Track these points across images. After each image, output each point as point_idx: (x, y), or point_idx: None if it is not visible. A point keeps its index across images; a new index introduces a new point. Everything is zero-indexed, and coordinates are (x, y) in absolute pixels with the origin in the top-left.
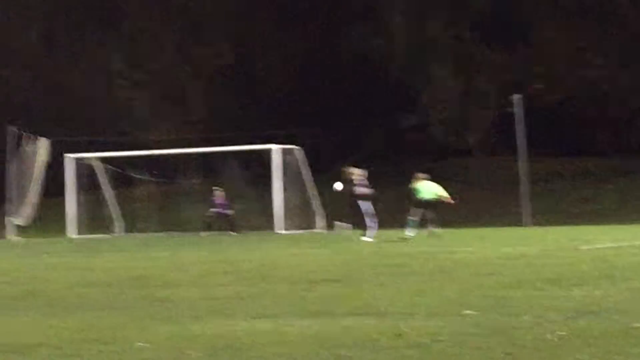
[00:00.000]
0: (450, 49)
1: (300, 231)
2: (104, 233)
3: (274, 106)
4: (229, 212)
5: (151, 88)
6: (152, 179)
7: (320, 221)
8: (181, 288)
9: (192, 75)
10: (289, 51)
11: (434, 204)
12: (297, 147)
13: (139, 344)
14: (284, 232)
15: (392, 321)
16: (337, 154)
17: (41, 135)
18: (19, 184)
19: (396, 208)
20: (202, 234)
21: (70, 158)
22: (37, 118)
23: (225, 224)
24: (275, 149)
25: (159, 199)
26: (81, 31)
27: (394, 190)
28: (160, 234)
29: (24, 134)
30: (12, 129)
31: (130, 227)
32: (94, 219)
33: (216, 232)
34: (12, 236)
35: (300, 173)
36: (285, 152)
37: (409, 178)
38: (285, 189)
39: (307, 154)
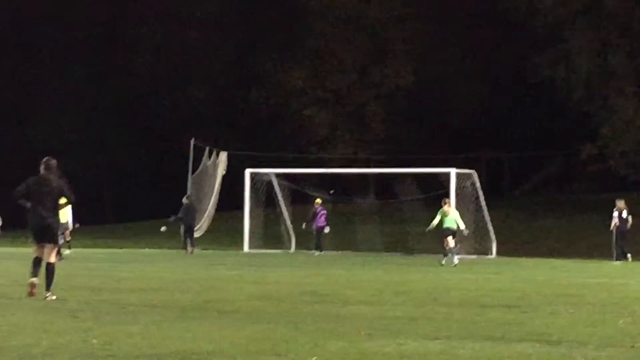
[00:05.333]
0: (633, 80)
1: (473, 256)
2: (277, 248)
3: (452, 129)
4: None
5: (331, 107)
6: (328, 198)
7: (494, 247)
8: (354, 306)
9: (372, 95)
10: (471, 75)
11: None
12: (474, 172)
13: (313, 358)
14: (457, 256)
15: (565, 350)
16: (514, 179)
17: (222, 150)
18: (198, 196)
19: (572, 237)
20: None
21: (249, 173)
22: (219, 133)
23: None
24: (453, 172)
25: (334, 217)
26: (265, 49)
27: (568, 219)
28: (334, 252)
29: (207, 147)
30: (195, 143)
31: (304, 245)
32: (268, 234)
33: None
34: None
35: (477, 198)
36: (462, 176)
37: (586, 208)
38: (460, 213)
39: (484, 178)
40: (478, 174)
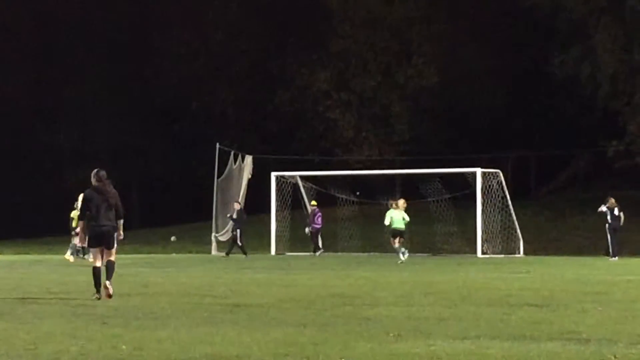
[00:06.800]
0: None
1: (501, 255)
2: (304, 251)
3: (478, 128)
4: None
5: (356, 108)
6: (355, 199)
7: (521, 246)
8: (382, 307)
9: (397, 96)
10: (495, 74)
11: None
12: (499, 171)
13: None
14: (484, 255)
15: (595, 347)
16: (541, 178)
17: (248, 153)
18: (224, 200)
19: (599, 235)
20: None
21: (275, 176)
22: (244, 136)
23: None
24: (479, 172)
25: (360, 219)
26: (289, 52)
27: (595, 216)
28: (362, 254)
29: (232, 151)
30: (221, 147)
31: (331, 247)
32: (295, 237)
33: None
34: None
35: (503, 197)
36: (488, 176)
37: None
38: (487, 213)
39: (510, 177)
40: (504, 173)
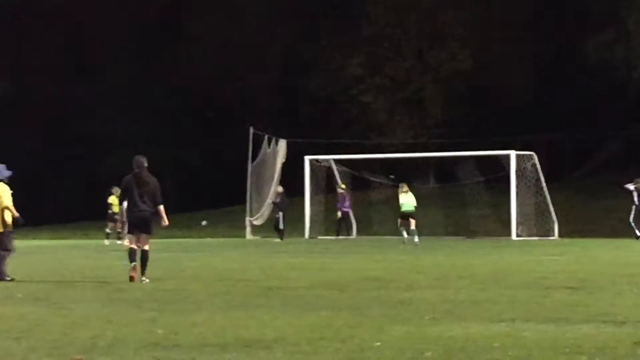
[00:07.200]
0: None
1: (536, 238)
2: (339, 235)
3: (511, 111)
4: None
5: (389, 92)
6: (389, 182)
7: (556, 228)
8: (417, 290)
9: (430, 80)
10: (529, 57)
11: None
12: (533, 153)
13: (377, 343)
14: (519, 238)
15: (631, 329)
16: (575, 160)
17: (281, 137)
18: (258, 185)
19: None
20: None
21: (308, 160)
22: (278, 121)
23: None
24: (513, 154)
25: (394, 202)
26: (322, 36)
27: (630, 198)
28: (396, 237)
29: (265, 136)
30: (254, 132)
31: (365, 230)
32: (329, 220)
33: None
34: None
35: (537, 179)
36: (522, 158)
37: None
38: (521, 195)
39: (544, 160)
40: (538, 156)
